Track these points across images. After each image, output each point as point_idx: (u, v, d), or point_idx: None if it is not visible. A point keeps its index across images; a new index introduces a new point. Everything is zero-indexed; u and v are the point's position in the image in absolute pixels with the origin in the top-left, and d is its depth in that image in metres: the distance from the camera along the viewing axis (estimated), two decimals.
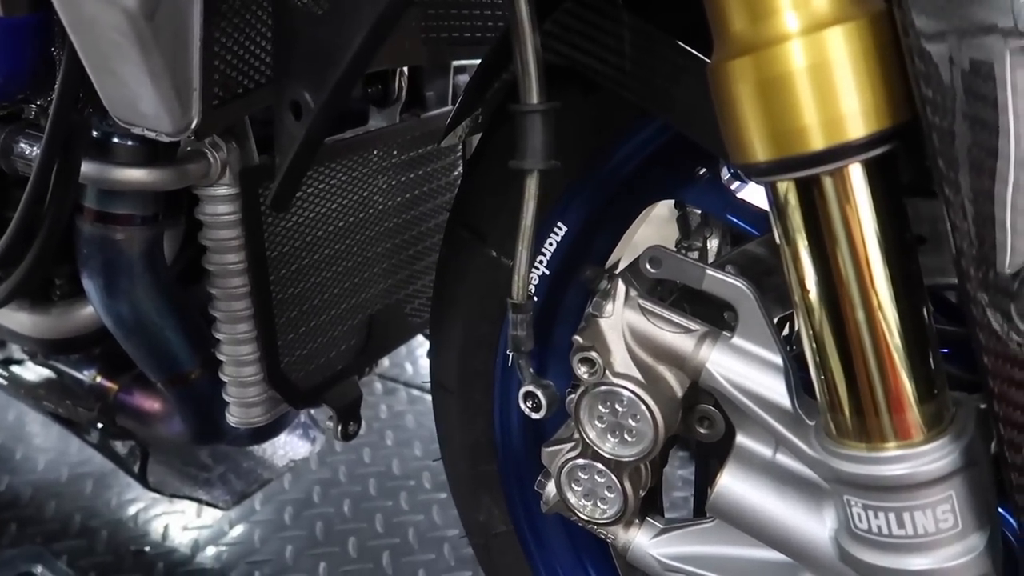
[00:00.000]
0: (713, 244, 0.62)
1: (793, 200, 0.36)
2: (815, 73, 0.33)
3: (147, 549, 1.05)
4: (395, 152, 0.72)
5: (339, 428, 0.72)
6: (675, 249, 0.68)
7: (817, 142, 0.34)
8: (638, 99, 0.44)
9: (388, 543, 1.06)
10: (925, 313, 0.37)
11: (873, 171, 0.35)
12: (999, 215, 0.32)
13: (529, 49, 0.40)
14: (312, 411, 0.98)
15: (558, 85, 0.49)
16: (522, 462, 0.62)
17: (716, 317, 0.47)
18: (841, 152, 0.34)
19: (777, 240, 0.38)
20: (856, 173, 0.35)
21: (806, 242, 0.36)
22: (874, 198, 0.35)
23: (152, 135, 0.42)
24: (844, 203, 0.35)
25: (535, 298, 0.52)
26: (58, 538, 1.05)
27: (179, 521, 1.10)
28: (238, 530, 1.08)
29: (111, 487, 1.16)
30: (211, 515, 1.10)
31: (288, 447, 0.99)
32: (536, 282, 0.56)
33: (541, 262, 0.56)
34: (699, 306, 0.48)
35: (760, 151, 0.35)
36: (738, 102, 0.35)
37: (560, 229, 0.54)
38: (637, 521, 0.51)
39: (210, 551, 1.04)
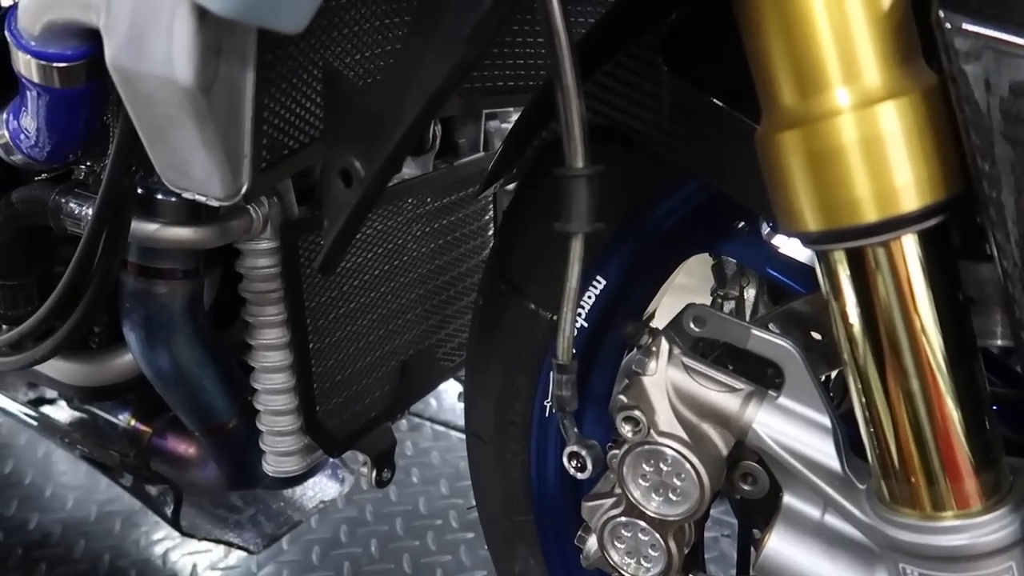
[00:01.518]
0: (750, 294, 0.62)
1: (845, 268, 0.36)
2: (867, 147, 0.33)
3: None
4: (428, 200, 0.73)
5: (373, 475, 0.73)
6: (711, 297, 0.68)
7: (870, 214, 0.34)
8: (679, 160, 0.45)
9: None
10: (980, 379, 0.36)
11: (926, 241, 0.35)
12: None
13: (575, 113, 0.40)
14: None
15: (599, 143, 0.49)
16: (559, 514, 0.62)
17: (760, 374, 0.47)
18: (894, 224, 0.34)
19: (827, 303, 0.38)
20: (909, 243, 0.35)
21: (858, 308, 0.36)
22: (926, 266, 0.35)
23: (202, 199, 0.43)
24: (897, 271, 0.35)
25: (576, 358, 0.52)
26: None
27: (207, 560, 1.10)
28: (266, 571, 1.08)
29: (139, 526, 1.16)
30: (238, 555, 1.10)
31: (318, 488, 0.99)
32: (576, 335, 0.56)
33: (580, 314, 0.56)
34: (742, 363, 0.48)
35: (811, 221, 0.35)
36: (789, 173, 0.35)
37: (599, 283, 0.54)
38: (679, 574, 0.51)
39: None
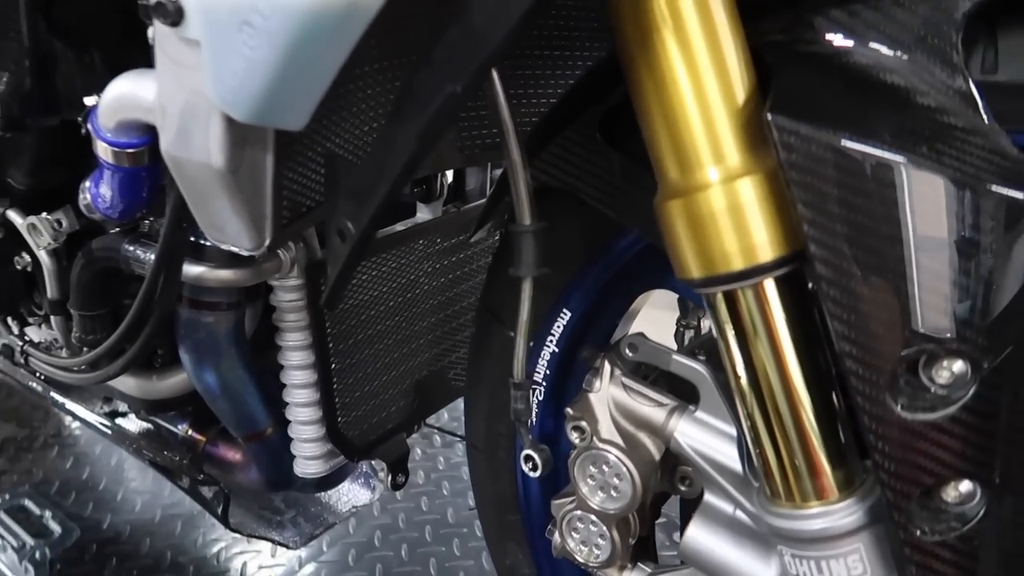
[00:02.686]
0: (706, 323, 0.71)
1: (723, 307, 0.45)
2: (731, 212, 0.43)
3: None
4: (438, 240, 0.84)
5: (389, 479, 0.83)
6: (675, 327, 0.78)
7: (737, 264, 0.43)
8: (614, 215, 0.55)
9: None
10: (834, 396, 0.45)
11: (782, 284, 0.44)
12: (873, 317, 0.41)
13: (520, 180, 0.50)
14: (373, 464, 1.09)
15: (556, 199, 0.60)
16: (541, 513, 0.71)
17: (689, 393, 0.56)
18: (756, 272, 0.43)
19: (715, 336, 0.47)
20: (770, 286, 0.44)
21: (735, 338, 0.46)
22: (785, 305, 0.44)
23: (235, 250, 0.55)
24: (763, 309, 0.44)
25: (534, 377, 0.62)
26: (151, 572, 1.19)
27: (256, 560, 1.22)
28: (308, 569, 1.20)
29: (198, 528, 1.29)
30: (284, 555, 1.22)
31: (351, 495, 1.11)
32: (548, 358, 0.66)
33: (552, 341, 0.66)
34: (677, 384, 0.57)
35: (695, 270, 0.45)
36: (676, 232, 0.45)
37: (566, 314, 0.64)
38: (629, 565, 0.60)
39: None
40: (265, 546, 1.24)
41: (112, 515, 1.33)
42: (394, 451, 0.83)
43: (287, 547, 1.01)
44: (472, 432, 0.75)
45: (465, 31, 0.39)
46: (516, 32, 0.39)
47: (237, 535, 1.24)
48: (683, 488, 0.59)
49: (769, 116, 0.40)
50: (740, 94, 0.43)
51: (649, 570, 0.60)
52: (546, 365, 0.66)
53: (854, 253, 0.40)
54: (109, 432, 0.99)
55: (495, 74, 0.47)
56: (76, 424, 1.60)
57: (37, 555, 1.16)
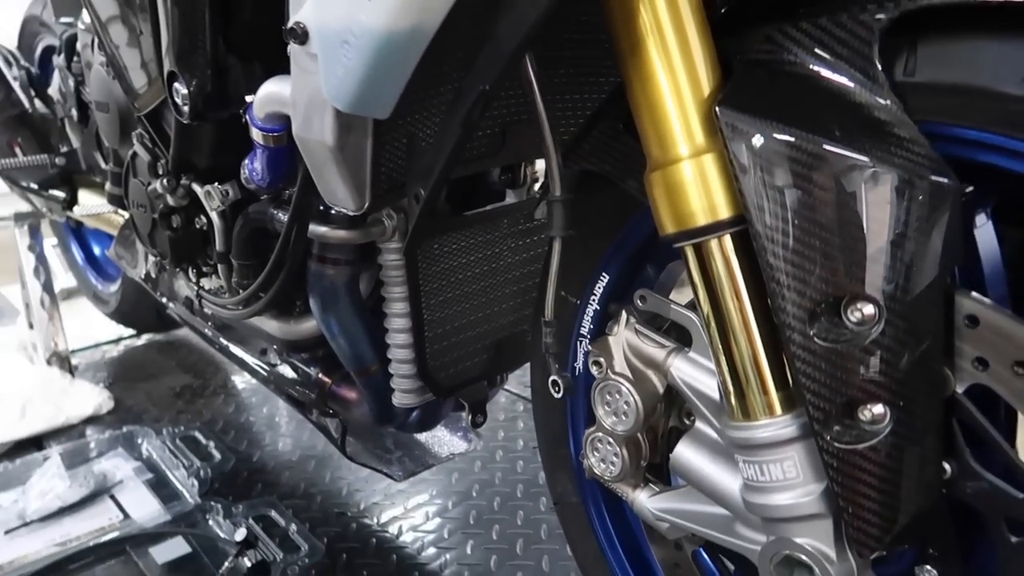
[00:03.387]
0: None
1: (692, 258, 0.57)
2: (697, 181, 0.55)
3: (347, 513, 1.38)
4: (521, 221, 0.99)
5: (469, 417, 1.00)
6: None
7: (701, 221, 0.56)
8: (632, 191, 0.68)
9: (524, 533, 1.31)
10: (784, 331, 0.56)
11: (738, 239, 0.55)
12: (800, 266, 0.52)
13: (553, 163, 0.65)
14: (472, 422, 1.26)
15: (594, 180, 0.73)
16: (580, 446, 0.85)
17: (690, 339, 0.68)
18: (715, 227, 0.55)
19: (689, 283, 0.59)
20: (727, 241, 0.56)
21: (702, 283, 0.58)
22: (739, 256, 0.56)
23: (344, 211, 0.73)
24: (724, 259, 0.56)
25: (581, 330, 0.76)
26: (287, 497, 1.42)
27: (371, 498, 1.42)
28: (413, 509, 1.38)
29: (327, 468, 1.52)
30: (395, 498, 1.42)
31: (450, 443, 1.28)
32: (591, 315, 0.80)
33: (594, 300, 0.79)
34: (684, 333, 0.69)
35: (670, 227, 0.57)
36: (656, 198, 0.58)
37: (604, 277, 0.78)
38: (642, 484, 0.73)
39: (389, 520, 1.36)
40: (380, 487, 1.44)
41: (260, 451, 1.58)
42: (475, 395, 0.99)
43: (393, 479, 1.20)
44: (534, 380, 0.89)
45: (491, 44, 0.55)
46: (527, 45, 0.54)
47: (359, 475, 1.46)
48: (687, 423, 0.70)
49: (716, 109, 0.52)
50: (705, 91, 0.55)
51: (657, 489, 0.72)
52: (590, 320, 0.80)
53: (780, 216, 0.51)
54: (261, 371, 1.22)
55: (534, 80, 0.61)
56: (237, 377, 1.89)
57: (201, 473, 1.42)
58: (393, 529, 1.34)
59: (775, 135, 0.51)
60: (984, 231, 0.57)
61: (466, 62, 0.59)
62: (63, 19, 1.57)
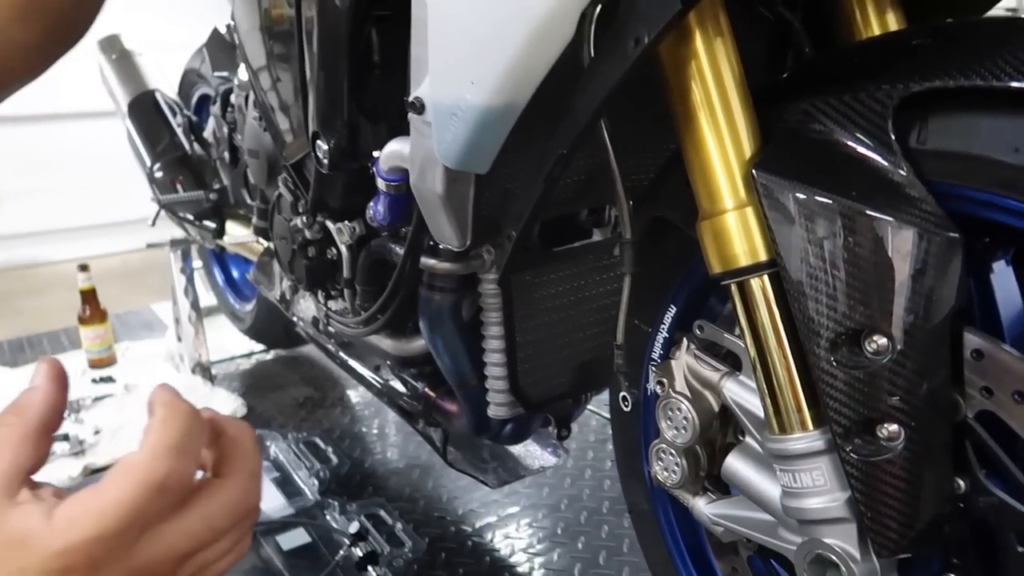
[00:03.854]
0: None
1: (737, 294, 0.68)
2: (739, 229, 0.66)
3: (447, 517, 1.52)
4: (605, 257, 1.11)
5: (556, 431, 1.12)
6: None
7: (743, 262, 0.66)
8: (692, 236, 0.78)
9: (607, 546, 1.41)
10: (809, 357, 0.65)
11: (773, 279, 0.65)
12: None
13: (625, 210, 0.76)
14: (558, 439, 1.37)
15: (663, 224, 0.84)
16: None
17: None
18: (755, 268, 0.65)
19: (735, 316, 0.69)
20: (766, 280, 0.66)
21: (745, 318, 0.68)
22: (775, 292, 0.65)
23: (450, 247, 0.87)
24: (761, 295, 0.66)
25: (651, 356, 0.87)
26: (394, 499, 1.57)
27: (468, 505, 1.56)
28: (506, 518, 1.51)
29: (430, 476, 1.66)
30: (490, 507, 1.55)
31: (541, 458, 1.40)
32: (661, 341, 0.90)
33: (663, 328, 0.90)
34: (737, 357, 0.79)
35: (717, 267, 0.68)
36: (706, 243, 0.68)
37: (672, 308, 0.88)
38: (700, 492, 0.82)
39: (484, 525, 1.48)
40: (476, 496, 1.57)
41: (371, 457, 1.75)
42: (561, 410, 1.11)
43: (488, 486, 1.32)
44: (612, 399, 1.00)
45: (569, 115, 0.68)
46: (599, 117, 0.67)
47: (458, 484, 1.60)
48: (740, 439, 0.80)
49: (754, 171, 0.63)
50: (747, 154, 0.66)
51: (714, 497, 0.81)
52: (660, 346, 0.91)
53: (806, 261, 0.61)
54: (375, 384, 1.38)
55: (608, 141, 0.73)
56: (352, 392, 2.08)
57: (320, 474, 1.60)
58: (488, 534, 1.47)
59: (803, 194, 0.61)
60: (1003, 276, 0.65)
61: (549, 128, 0.73)
62: (218, 73, 1.82)
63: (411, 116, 0.78)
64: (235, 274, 2.40)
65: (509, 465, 1.39)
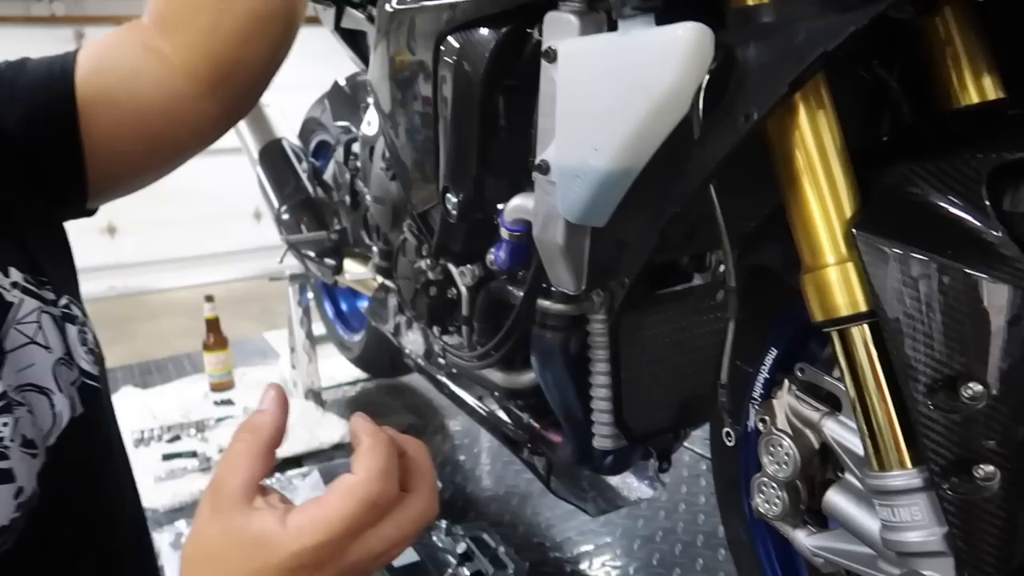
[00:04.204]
0: None
1: (837, 340, 0.74)
2: (840, 282, 0.72)
3: (546, 543, 1.59)
4: (706, 299, 1.18)
5: (656, 463, 1.18)
6: None
7: (844, 312, 0.72)
8: (794, 285, 0.85)
9: None
10: (907, 398, 0.70)
11: (873, 328, 0.71)
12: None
13: (730, 260, 0.83)
14: (658, 471, 1.43)
15: (765, 273, 0.91)
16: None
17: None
18: (855, 318, 0.71)
19: (836, 361, 0.75)
20: (865, 328, 0.72)
21: (846, 362, 0.74)
22: (875, 340, 0.71)
23: (565, 291, 0.96)
24: (862, 342, 0.72)
25: (752, 394, 0.93)
26: (494, 525, 1.66)
27: (566, 533, 1.63)
28: (603, 549, 1.57)
29: (528, 504, 1.74)
30: (587, 536, 1.61)
31: (638, 490, 1.46)
32: (762, 381, 0.96)
33: (764, 368, 0.96)
34: (835, 398, 0.84)
35: (819, 316, 0.74)
36: (809, 294, 0.75)
37: (772, 351, 0.94)
38: (800, 525, 0.87)
39: (582, 553, 1.55)
40: (574, 524, 1.64)
41: (472, 484, 1.84)
42: (662, 444, 1.17)
43: (588, 514, 1.39)
44: (713, 435, 1.07)
45: (681, 177, 0.76)
46: (710, 180, 0.75)
47: (556, 512, 1.67)
48: (839, 476, 0.85)
49: (855, 230, 0.70)
50: (847, 213, 0.72)
51: (814, 529, 0.87)
52: (760, 386, 0.97)
53: (904, 313, 0.67)
54: (481, 413, 1.48)
55: (716, 200, 0.81)
56: (452, 420, 2.18)
57: None
58: (586, 561, 1.53)
59: (901, 252, 0.67)
60: None
61: (662, 189, 0.81)
62: (339, 123, 1.99)
63: (536, 176, 0.88)
64: (343, 307, 2.56)
65: (608, 495, 1.45)
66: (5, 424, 0.73)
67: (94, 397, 0.87)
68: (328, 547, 0.54)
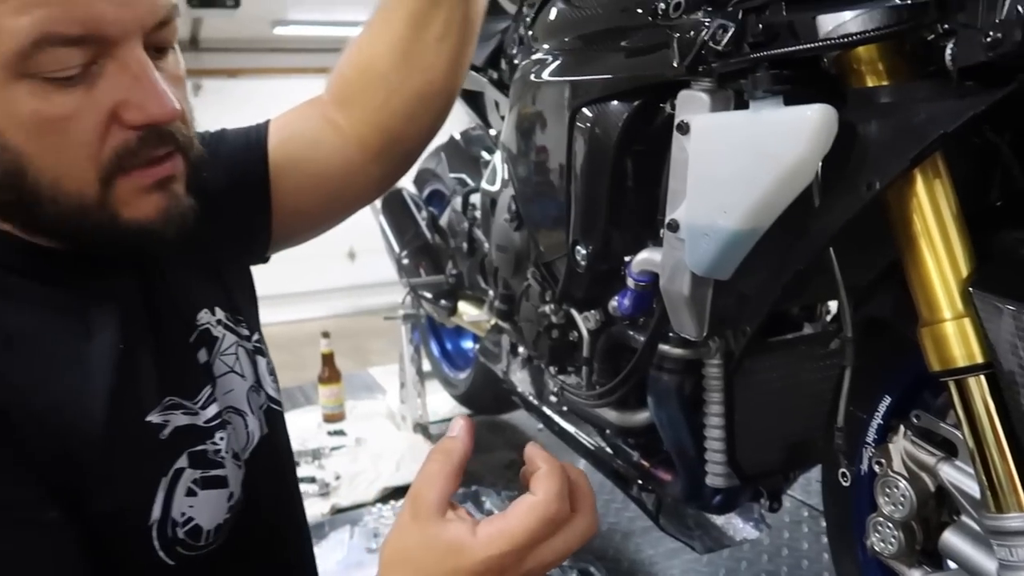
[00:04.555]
0: None
1: (954, 389, 0.80)
2: (957, 336, 0.78)
3: None
4: (817, 348, 1.24)
5: (767, 503, 1.24)
6: None
7: (961, 363, 0.78)
8: (909, 336, 0.91)
9: None
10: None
11: (989, 378, 0.77)
12: None
13: (846, 310, 0.90)
14: (768, 510, 1.47)
15: (882, 324, 0.97)
16: (863, 529, 1.05)
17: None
18: (972, 368, 0.78)
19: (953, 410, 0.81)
20: (981, 379, 0.78)
21: (963, 410, 0.79)
22: (991, 390, 0.77)
23: (687, 336, 1.05)
24: (978, 392, 0.78)
25: (866, 439, 0.99)
26: (600, 559, 1.72)
27: (670, 571, 1.68)
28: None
29: (631, 540, 1.81)
30: (691, 574, 1.66)
31: (744, 530, 1.51)
32: (875, 427, 1.02)
33: (878, 415, 1.02)
34: (950, 443, 0.90)
35: (936, 366, 0.81)
36: (926, 346, 0.81)
37: (887, 398, 1.00)
38: (916, 564, 0.92)
39: None
40: (677, 563, 1.69)
41: None
42: (772, 485, 1.23)
43: (695, 551, 1.45)
44: (825, 477, 1.12)
45: (805, 239, 0.84)
46: (831, 243, 0.83)
47: (659, 550, 1.72)
48: (955, 518, 0.90)
49: (971, 289, 0.76)
50: (963, 272, 0.79)
51: (930, 570, 0.91)
52: (874, 432, 1.02)
53: (1019, 365, 0.73)
54: (590, 449, 1.56)
55: (835, 258, 0.89)
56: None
57: None
58: None
59: (1014, 308, 0.74)
60: None
61: (785, 247, 0.89)
62: (454, 174, 2.14)
63: (666, 232, 0.98)
64: (448, 346, 2.69)
65: (714, 534, 1.51)
66: (221, 438, 0.87)
67: (276, 420, 1.01)
68: (511, 556, 0.64)
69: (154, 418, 0.82)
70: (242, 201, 1.02)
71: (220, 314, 0.96)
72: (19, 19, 0.64)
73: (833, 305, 1.23)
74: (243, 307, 1.02)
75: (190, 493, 0.82)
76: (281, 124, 1.07)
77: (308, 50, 8.77)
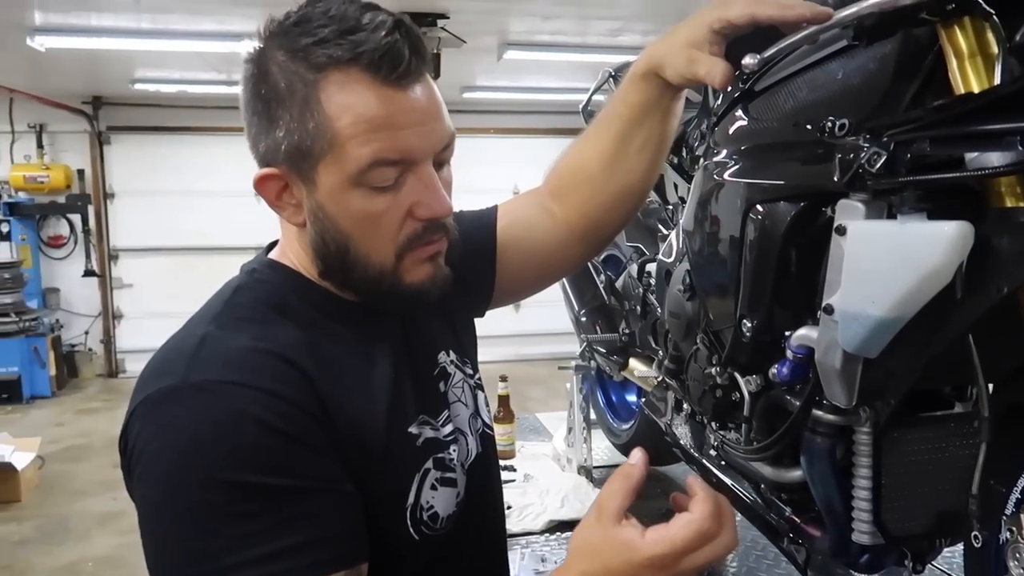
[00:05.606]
0: None
1: None
2: None
3: None
4: (966, 426, 1.34)
5: (911, 564, 1.35)
6: None
7: None
8: None
9: None
10: None
11: None
12: None
13: (983, 392, 1.04)
14: (912, 572, 1.56)
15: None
16: None
17: None
18: None
19: None
20: None
21: None
22: None
23: (837, 404, 1.22)
24: None
25: (1005, 511, 1.11)
26: None
27: None
28: None
29: None
30: None
31: None
32: (1014, 501, 1.13)
33: (1016, 490, 1.13)
34: None
35: None
36: None
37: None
38: None
39: None
40: None
41: (722, 566, 2.05)
42: (917, 547, 1.34)
43: None
44: (966, 543, 1.23)
45: (945, 325, 1.00)
46: (967, 331, 0.98)
47: None
48: None
49: None
50: None
51: None
52: (1012, 505, 1.13)
53: None
54: (745, 501, 1.71)
55: (973, 345, 1.04)
56: None
57: None
58: None
59: None
60: None
61: (927, 334, 1.05)
62: (630, 243, 2.38)
63: (822, 315, 1.16)
64: (613, 398, 2.90)
65: None
66: (454, 450, 1.14)
67: (488, 443, 1.28)
68: (669, 557, 0.85)
69: (413, 430, 1.11)
70: (474, 268, 1.32)
71: (452, 355, 1.26)
72: (362, 149, 0.96)
73: None
74: (469, 350, 1.31)
75: (432, 488, 1.10)
76: (507, 209, 1.37)
77: (492, 111, 9.47)
